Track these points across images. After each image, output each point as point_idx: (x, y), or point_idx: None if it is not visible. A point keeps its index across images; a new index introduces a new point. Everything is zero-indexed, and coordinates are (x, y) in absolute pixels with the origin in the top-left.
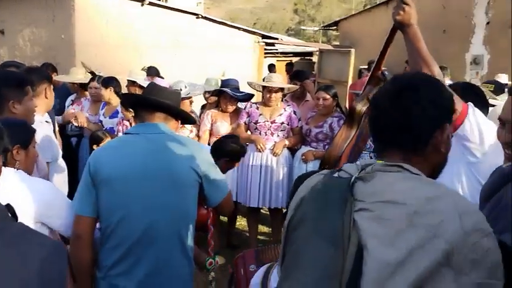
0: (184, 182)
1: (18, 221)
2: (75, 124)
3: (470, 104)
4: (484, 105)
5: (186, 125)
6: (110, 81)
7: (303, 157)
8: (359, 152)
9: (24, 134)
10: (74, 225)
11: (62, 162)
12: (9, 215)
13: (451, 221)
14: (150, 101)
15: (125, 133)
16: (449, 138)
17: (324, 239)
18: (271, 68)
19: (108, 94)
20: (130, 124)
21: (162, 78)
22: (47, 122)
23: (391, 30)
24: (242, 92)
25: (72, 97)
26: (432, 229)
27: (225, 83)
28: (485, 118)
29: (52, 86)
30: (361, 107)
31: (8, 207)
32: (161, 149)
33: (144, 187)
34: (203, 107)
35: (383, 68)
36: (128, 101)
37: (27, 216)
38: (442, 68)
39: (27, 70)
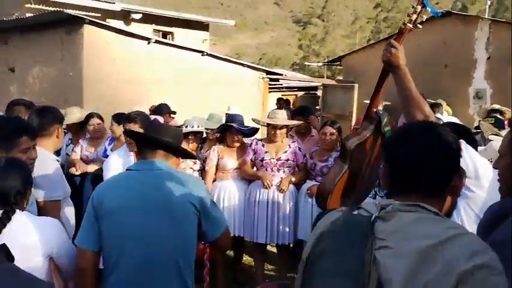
0: (182, 215)
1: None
2: (77, 173)
3: (463, 141)
4: (473, 143)
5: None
6: (122, 117)
7: (309, 192)
8: (368, 187)
9: (30, 175)
10: (77, 259)
11: (69, 200)
12: (4, 256)
13: (462, 258)
14: (149, 139)
15: (127, 169)
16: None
17: (345, 275)
18: (280, 101)
19: (120, 130)
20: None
21: (174, 113)
22: (57, 160)
23: (382, 71)
24: (247, 127)
25: (69, 135)
26: (446, 265)
27: (230, 118)
28: (477, 154)
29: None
30: (352, 143)
31: (2, 247)
32: (160, 184)
33: (143, 221)
34: (202, 142)
35: (384, 102)
36: (130, 137)
37: (35, 254)
38: (436, 105)
39: (40, 110)
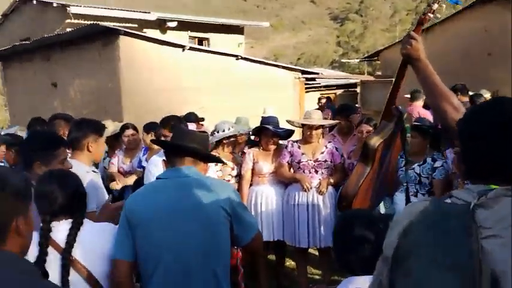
0: (214, 220)
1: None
2: (118, 187)
3: None
4: None
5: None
6: (152, 127)
7: (321, 189)
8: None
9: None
10: (113, 272)
11: None
12: (40, 273)
13: None
14: (176, 146)
15: (157, 178)
16: None
17: (449, 270)
18: (320, 100)
19: (149, 139)
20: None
21: (203, 120)
22: (94, 171)
23: (400, 66)
24: (283, 129)
25: (105, 148)
26: None
27: (265, 120)
28: None
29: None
30: (375, 142)
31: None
32: (190, 191)
33: (177, 229)
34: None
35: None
36: (158, 146)
37: (105, 258)
38: (476, 95)
39: (76, 123)
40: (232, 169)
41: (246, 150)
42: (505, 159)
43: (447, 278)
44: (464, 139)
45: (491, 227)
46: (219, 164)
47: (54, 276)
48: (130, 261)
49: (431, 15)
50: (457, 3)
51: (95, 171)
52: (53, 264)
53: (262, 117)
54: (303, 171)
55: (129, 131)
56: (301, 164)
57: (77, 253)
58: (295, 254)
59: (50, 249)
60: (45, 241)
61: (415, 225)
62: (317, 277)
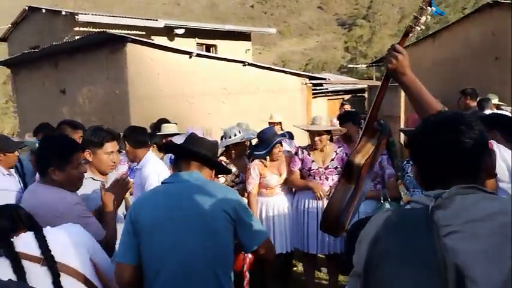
0: (217, 224)
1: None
2: None
3: (494, 142)
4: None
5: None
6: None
7: (319, 193)
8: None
9: None
10: (116, 276)
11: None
12: None
13: None
14: (184, 150)
15: (162, 182)
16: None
17: (417, 268)
18: (344, 106)
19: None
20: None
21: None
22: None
23: (383, 79)
24: (282, 133)
25: None
26: None
27: (263, 136)
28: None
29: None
30: (360, 160)
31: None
32: (193, 195)
33: (180, 233)
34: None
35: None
36: (168, 149)
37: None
38: (484, 99)
39: (92, 131)
40: (237, 176)
41: (249, 165)
42: (461, 161)
43: (416, 275)
44: (417, 157)
45: (450, 224)
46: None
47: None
48: (134, 266)
49: (418, 28)
50: (441, 14)
51: (95, 179)
52: (41, 277)
53: (258, 134)
54: (314, 178)
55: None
56: (311, 171)
57: (58, 257)
58: (303, 259)
59: (27, 263)
60: (14, 256)
61: (380, 234)
62: (324, 282)
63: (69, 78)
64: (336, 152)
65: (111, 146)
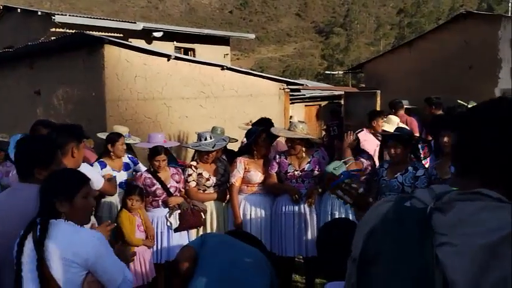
0: None
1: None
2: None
3: None
4: None
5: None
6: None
7: (309, 200)
8: None
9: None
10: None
11: None
12: None
13: None
14: None
15: None
16: None
17: (405, 278)
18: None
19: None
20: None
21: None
22: None
23: None
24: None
25: None
26: None
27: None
28: None
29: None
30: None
31: None
32: None
33: None
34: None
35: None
36: None
37: (73, 266)
38: (460, 106)
39: (58, 129)
40: (208, 179)
41: (237, 159)
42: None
43: (403, 286)
44: (473, 128)
45: (446, 234)
46: (195, 173)
47: None
48: None
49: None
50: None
51: None
52: None
53: (246, 133)
54: (290, 181)
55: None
56: (288, 174)
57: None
58: (280, 263)
59: None
60: None
61: (377, 230)
62: (300, 285)
63: (44, 79)
64: (312, 155)
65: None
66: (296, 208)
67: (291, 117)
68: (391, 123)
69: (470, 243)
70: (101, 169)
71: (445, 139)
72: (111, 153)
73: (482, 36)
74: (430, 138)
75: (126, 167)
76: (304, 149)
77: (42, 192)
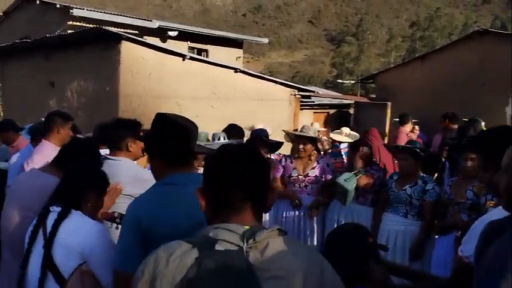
0: None
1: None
2: None
3: None
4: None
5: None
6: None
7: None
8: None
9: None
10: (115, 285)
11: None
12: None
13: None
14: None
15: (163, 183)
16: None
17: None
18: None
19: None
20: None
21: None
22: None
23: None
24: (272, 140)
25: None
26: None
27: (256, 132)
28: None
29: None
30: None
31: None
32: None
33: None
34: None
35: None
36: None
37: (73, 255)
38: (475, 120)
39: (115, 123)
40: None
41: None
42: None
43: None
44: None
45: (268, 269)
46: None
47: None
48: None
49: None
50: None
51: None
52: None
53: (252, 130)
54: (293, 185)
55: None
56: (291, 178)
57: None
58: None
59: None
60: None
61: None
62: None
63: (59, 71)
64: (318, 161)
65: None
66: (297, 212)
67: (311, 124)
68: (341, 134)
69: (288, 272)
70: None
71: (469, 164)
72: None
73: (497, 55)
74: (445, 154)
75: None
76: (315, 152)
77: (74, 181)
